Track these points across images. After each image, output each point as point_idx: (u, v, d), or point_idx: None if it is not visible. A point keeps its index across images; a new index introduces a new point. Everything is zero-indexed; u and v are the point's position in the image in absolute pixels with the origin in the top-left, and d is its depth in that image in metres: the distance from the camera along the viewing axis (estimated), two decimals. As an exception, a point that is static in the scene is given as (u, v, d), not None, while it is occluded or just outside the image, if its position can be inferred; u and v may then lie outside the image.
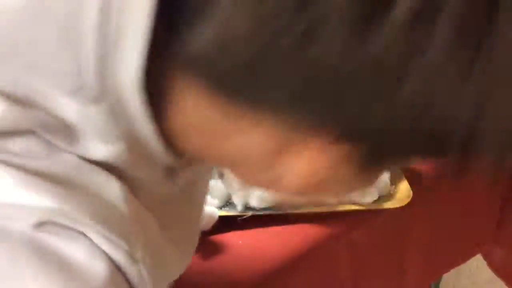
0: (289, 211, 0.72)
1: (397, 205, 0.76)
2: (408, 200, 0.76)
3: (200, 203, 0.42)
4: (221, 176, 0.70)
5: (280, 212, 0.71)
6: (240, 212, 0.70)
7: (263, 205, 0.71)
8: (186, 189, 0.35)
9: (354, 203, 0.75)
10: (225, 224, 0.69)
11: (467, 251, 0.98)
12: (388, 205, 0.77)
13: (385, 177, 0.77)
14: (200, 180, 0.40)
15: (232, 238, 0.69)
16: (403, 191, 0.78)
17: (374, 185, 0.75)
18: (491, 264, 1.03)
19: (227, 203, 0.71)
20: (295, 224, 0.72)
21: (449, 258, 0.96)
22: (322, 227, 0.73)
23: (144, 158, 0.29)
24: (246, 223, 0.70)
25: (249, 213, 0.71)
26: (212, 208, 0.68)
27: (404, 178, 0.79)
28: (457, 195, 0.87)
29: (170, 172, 0.32)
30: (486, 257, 1.03)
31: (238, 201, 0.70)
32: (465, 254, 0.99)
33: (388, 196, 0.78)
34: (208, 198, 0.69)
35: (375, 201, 0.76)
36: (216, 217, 0.67)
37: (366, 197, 0.75)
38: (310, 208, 0.72)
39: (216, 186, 0.70)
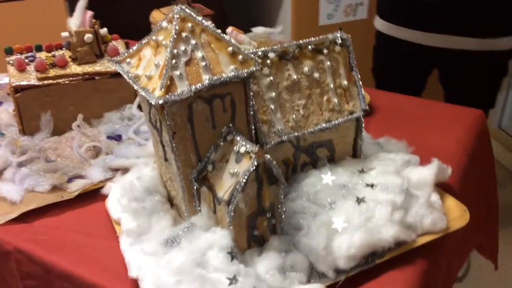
0: (378, 261, 0.72)
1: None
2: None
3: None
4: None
5: (371, 265, 0.72)
6: (333, 279, 0.70)
7: (352, 265, 0.71)
8: None
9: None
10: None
11: None
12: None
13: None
14: None
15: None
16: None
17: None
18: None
19: (314, 273, 0.71)
20: (384, 274, 0.73)
21: None
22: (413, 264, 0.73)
23: None
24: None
25: (343, 277, 0.70)
26: (316, 285, 0.67)
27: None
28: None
29: None
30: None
31: (326, 268, 0.70)
32: None
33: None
34: (294, 274, 0.69)
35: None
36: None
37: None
38: (394, 252, 0.73)
39: (296, 258, 0.70)
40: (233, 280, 0.64)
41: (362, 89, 0.85)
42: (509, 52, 1.40)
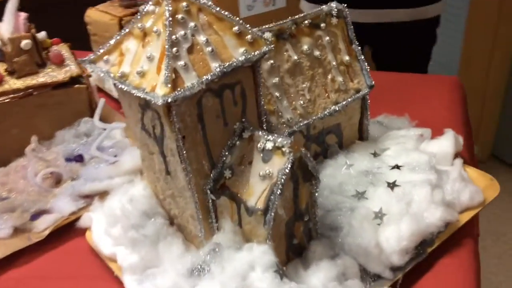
0: (429, 249, 0.64)
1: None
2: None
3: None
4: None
5: (424, 255, 0.63)
6: (391, 279, 0.61)
7: (406, 259, 0.62)
8: None
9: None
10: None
11: None
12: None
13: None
14: None
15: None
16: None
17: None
18: None
19: (365, 276, 0.62)
20: (438, 262, 0.65)
21: None
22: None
23: None
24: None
25: (400, 275, 0.62)
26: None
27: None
28: None
29: None
30: None
31: (381, 268, 0.61)
32: None
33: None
34: (350, 282, 0.59)
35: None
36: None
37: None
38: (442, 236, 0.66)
39: (346, 262, 0.61)
40: (291, 302, 0.53)
41: (366, 63, 0.77)
42: (435, 19, 1.42)
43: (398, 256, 0.61)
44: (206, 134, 0.59)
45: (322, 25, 0.74)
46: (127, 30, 0.60)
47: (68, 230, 0.75)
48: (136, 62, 0.58)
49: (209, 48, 0.57)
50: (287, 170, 0.55)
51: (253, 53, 0.58)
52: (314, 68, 0.73)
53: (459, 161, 0.73)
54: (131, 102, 0.62)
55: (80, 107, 0.91)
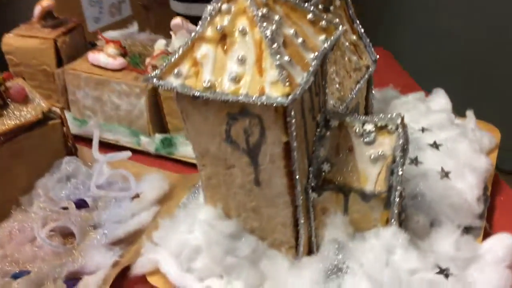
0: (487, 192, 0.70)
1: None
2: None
3: None
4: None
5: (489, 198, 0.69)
6: (480, 226, 0.65)
7: (482, 206, 0.67)
8: None
9: None
10: None
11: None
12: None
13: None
14: None
15: None
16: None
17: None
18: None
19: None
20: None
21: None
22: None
23: None
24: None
25: (484, 222, 0.66)
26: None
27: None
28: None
29: None
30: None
31: (471, 220, 0.65)
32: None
33: None
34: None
35: None
36: None
37: None
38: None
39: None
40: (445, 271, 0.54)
41: (368, 39, 0.79)
42: None
43: (478, 204, 0.66)
44: (307, 131, 0.56)
45: (331, 8, 0.74)
46: (192, 37, 0.53)
47: (120, 283, 0.64)
48: (220, 68, 0.52)
49: (300, 40, 0.54)
50: (402, 145, 0.55)
51: (330, 40, 0.57)
52: (334, 52, 0.73)
53: (471, 113, 0.80)
54: (209, 116, 0.55)
55: (56, 147, 0.77)
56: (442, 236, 0.59)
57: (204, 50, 0.53)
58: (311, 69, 0.52)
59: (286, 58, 0.50)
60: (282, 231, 0.61)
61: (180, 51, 0.53)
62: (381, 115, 0.57)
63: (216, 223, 0.61)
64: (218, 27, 0.52)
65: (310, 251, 0.61)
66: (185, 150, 0.85)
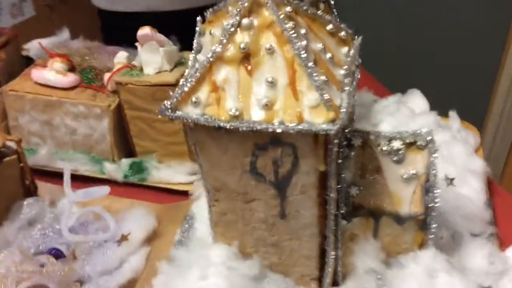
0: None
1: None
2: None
3: None
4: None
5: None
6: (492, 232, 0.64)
7: (490, 211, 0.66)
8: None
9: None
10: None
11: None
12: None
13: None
14: None
15: None
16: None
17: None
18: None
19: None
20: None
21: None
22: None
23: None
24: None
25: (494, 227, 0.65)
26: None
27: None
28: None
29: None
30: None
31: (484, 227, 0.64)
32: None
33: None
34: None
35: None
36: None
37: None
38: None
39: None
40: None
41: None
42: None
43: (485, 210, 0.65)
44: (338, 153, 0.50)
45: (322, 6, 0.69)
46: (208, 59, 0.45)
47: None
48: (247, 93, 0.45)
49: (329, 55, 0.48)
50: (435, 162, 0.52)
51: (352, 51, 0.52)
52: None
53: (454, 113, 0.79)
54: (230, 147, 0.48)
55: (12, 187, 0.65)
56: (472, 250, 0.57)
57: (224, 73, 0.45)
58: (346, 88, 0.47)
59: (323, 77, 0.45)
60: (305, 264, 0.56)
61: (192, 79, 0.45)
62: (408, 130, 0.53)
63: (236, 264, 0.54)
64: (241, 46, 0.45)
65: (334, 282, 0.57)
66: (158, 174, 0.76)
